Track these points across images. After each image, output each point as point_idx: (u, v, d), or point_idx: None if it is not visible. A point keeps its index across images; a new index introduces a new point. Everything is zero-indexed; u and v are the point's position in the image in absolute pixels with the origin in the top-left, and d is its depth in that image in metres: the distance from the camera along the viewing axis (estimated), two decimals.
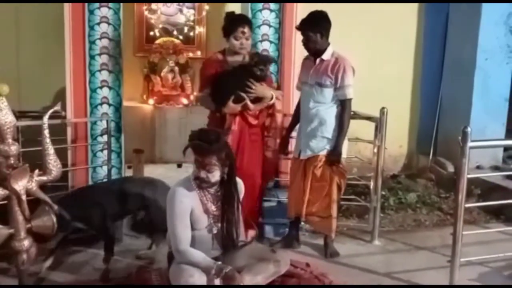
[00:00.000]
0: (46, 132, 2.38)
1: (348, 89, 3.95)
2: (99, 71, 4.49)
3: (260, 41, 4.93)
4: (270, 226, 4.57)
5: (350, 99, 3.98)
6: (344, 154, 4.06)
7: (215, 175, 2.97)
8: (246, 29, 3.94)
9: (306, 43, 4.01)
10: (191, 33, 6.77)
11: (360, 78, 6.04)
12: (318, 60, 4.03)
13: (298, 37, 4.88)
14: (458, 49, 6.22)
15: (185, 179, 3.05)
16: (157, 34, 6.62)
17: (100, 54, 4.47)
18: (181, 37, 6.67)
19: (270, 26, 4.93)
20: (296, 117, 4.28)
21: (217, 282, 2.88)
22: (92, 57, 4.45)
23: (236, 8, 5.55)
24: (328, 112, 3.98)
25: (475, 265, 3.84)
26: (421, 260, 4.03)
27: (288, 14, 4.91)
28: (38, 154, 2.94)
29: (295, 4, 4.90)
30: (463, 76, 6.09)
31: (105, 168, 4.56)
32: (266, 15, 4.91)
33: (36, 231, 2.29)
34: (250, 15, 4.89)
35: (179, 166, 5.87)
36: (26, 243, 2.30)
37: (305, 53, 4.15)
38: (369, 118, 4.53)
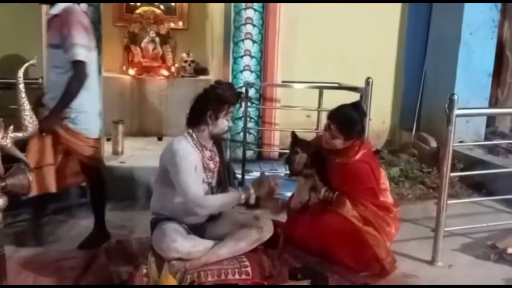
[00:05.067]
0: (22, 86, 2.26)
1: (75, 49, 3.22)
2: None
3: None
4: None
5: (79, 62, 3.25)
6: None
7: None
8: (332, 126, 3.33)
9: None
10: (173, 3, 6.61)
11: (344, 52, 6.11)
12: (51, 17, 3.37)
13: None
14: (443, 23, 6.16)
15: (182, 139, 3.00)
16: (138, 3, 6.45)
17: None
18: (162, 7, 6.52)
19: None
20: None
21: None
22: None
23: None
24: (64, 79, 3.29)
25: (457, 236, 3.86)
26: (404, 231, 3.98)
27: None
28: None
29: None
30: (447, 51, 6.05)
31: None
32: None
33: (11, 190, 2.19)
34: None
35: (160, 139, 5.76)
36: (0, 202, 2.21)
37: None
38: (354, 88, 4.47)
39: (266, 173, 3.04)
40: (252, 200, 2.97)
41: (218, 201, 3.00)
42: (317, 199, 3.41)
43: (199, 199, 2.90)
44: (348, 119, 3.29)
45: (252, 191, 2.98)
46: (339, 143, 3.31)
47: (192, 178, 2.90)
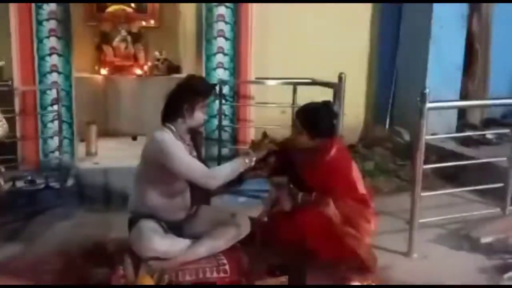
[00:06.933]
0: None
1: None
2: (47, 37, 4.31)
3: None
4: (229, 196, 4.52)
5: None
6: None
7: None
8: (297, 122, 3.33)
9: None
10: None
11: (317, 48, 6.13)
12: None
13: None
14: (413, 18, 6.24)
15: (163, 132, 2.96)
16: (108, 2, 6.38)
17: (48, 19, 4.28)
18: (133, 5, 6.46)
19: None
20: None
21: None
22: (39, 22, 4.26)
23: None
24: None
25: (432, 227, 3.90)
26: (381, 224, 4.00)
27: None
28: None
29: None
30: (418, 45, 6.13)
31: (56, 139, 4.40)
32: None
33: None
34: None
35: (134, 139, 5.70)
36: None
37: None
38: (327, 84, 4.50)
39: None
40: (253, 163, 3.00)
41: (227, 168, 2.98)
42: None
43: (208, 172, 2.93)
44: (313, 117, 3.24)
45: (252, 154, 3.02)
46: (304, 140, 3.26)
47: (190, 157, 2.93)
